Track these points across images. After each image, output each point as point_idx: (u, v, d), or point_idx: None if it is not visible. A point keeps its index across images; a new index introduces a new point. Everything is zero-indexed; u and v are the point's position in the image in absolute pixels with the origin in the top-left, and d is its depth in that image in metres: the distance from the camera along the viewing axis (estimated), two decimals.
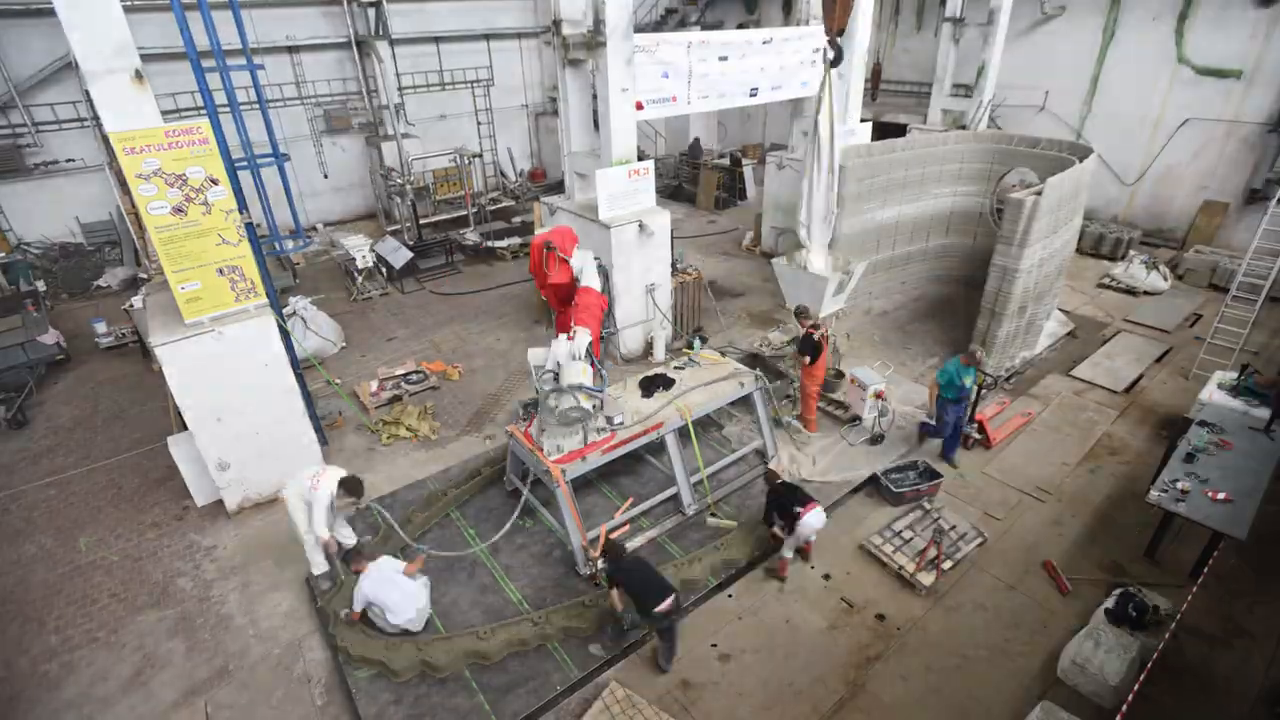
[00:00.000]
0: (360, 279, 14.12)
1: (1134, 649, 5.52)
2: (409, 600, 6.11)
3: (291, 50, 17.15)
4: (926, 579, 6.70)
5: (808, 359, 8.58)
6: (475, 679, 5.91)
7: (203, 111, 7.17)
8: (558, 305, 8.69)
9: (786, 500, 6.70)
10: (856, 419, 9.01)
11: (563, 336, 7.06)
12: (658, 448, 7.77)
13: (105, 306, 13.67)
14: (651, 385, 8.05)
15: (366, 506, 7.35)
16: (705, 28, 20.94)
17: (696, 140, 21.65)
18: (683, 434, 7.69)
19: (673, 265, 11.21)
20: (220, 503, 7.94)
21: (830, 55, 9.85)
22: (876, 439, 8.83)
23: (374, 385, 10.24)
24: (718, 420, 9.24)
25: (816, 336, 8.51)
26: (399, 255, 14.33)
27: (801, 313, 9.09)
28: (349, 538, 7.04)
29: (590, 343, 7.01)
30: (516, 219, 18.38)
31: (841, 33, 9.60)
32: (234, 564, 7.34)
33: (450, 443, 9.25)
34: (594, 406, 6.83)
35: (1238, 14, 12.93)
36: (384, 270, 14.58)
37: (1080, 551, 7.20)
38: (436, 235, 16.67)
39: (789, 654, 6.19)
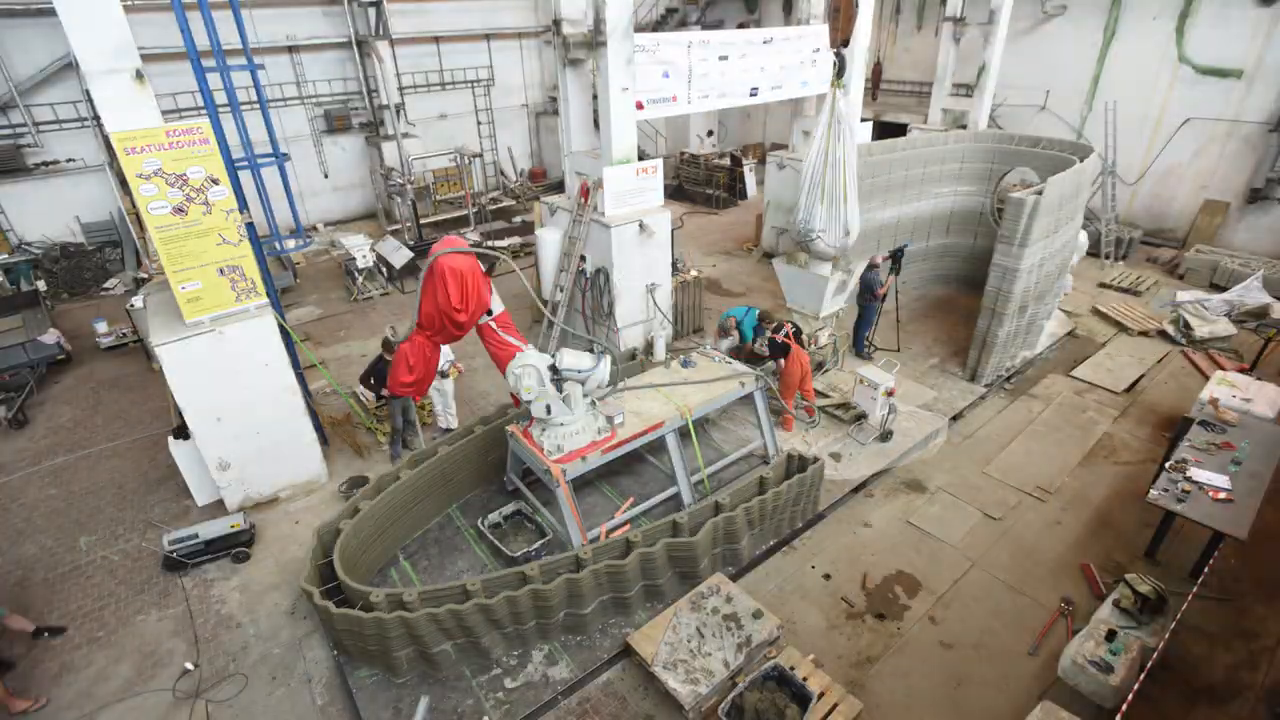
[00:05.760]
0: (361, 279, 14.13)
1: (1134, 649, 5.52)
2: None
3: (292, 50, 17.15)
4: None
5: (781, 361, 9.10)
6: (475, 678, 5.92)
7: (203, 111, 7.19)
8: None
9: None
10: (863, 417, 9.02)
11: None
12: (658, 447, 7.77)
13: (106, 306, 13.69)
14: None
15: None
16: (705, 27, 20.94)
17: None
18: (683, 434, 7.68)
19: (673, 265, 11.20)
20: (221, 502, 7.94)
21: (837, 67, 9.81)
22: (886, 436, 8.83)
23: None
24: (718, 422, 9.24)
25: (780, 338, 9.11)
26: (399, 255, 14.33)
27: (764, 318, 9.64)
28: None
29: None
30: (517, 219, 18.38)
31: (846, 43, 9.60)
32: (234, 564, 7.34)
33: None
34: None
35: (1238, 13, 12.92)
36: (384, 270, 14.59)
37: (1080, 552, 7.19)
38: (437, 235, 16.66)
39: None
